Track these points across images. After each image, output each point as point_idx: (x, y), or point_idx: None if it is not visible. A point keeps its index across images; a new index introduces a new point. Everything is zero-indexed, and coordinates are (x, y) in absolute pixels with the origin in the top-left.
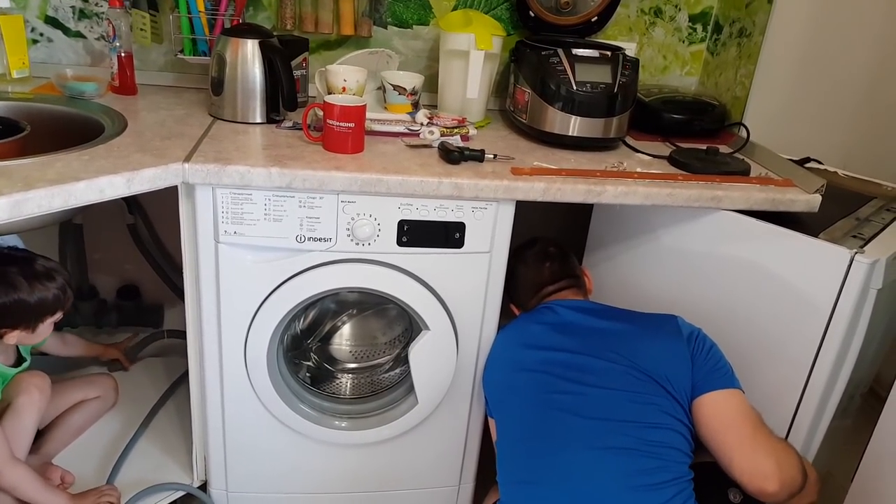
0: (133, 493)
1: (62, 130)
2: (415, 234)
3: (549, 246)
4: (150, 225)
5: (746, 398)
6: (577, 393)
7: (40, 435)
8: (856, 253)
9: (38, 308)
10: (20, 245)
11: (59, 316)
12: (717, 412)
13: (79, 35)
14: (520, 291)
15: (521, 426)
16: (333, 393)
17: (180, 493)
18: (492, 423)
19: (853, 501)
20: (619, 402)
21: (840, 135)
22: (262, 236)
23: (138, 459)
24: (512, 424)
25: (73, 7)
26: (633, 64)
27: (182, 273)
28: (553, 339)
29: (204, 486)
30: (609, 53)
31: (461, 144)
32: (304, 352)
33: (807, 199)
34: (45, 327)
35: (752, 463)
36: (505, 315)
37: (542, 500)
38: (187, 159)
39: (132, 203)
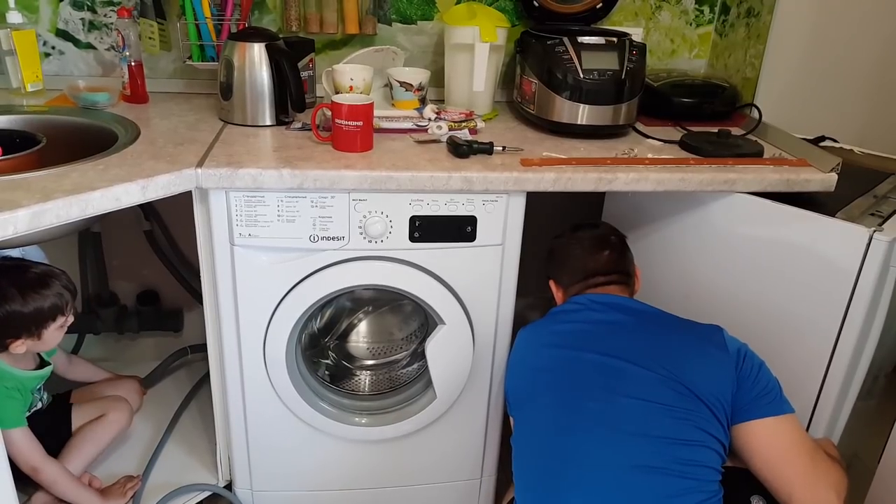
0: (161, 495)
1: (77, 141)
2: (426, 229)
3: (612, 234)
4: (166, 230)
5: (798, 422)
6: (610, 402)
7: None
8: (874, 231)
9: (35, 317)
10: (42, 255)
11: (63, 320)
12: (771, 442)
13: (89, 46)
14: (566, 272)
15: (544, 435)
16: (352, 390)
17: (207, 494)
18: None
19: (881, 483)
20: (656, 417)
21: (855, 112)
22: (276, 237)
23: (165, 462)
24: (533, 430)
25: (82, 19)
26: (641, 49)
27: (200, 277)
28: (589, 340)
29: (229, 486)
30: (615, 40)
31: (469, 138)
32: (322, 350)
33: (822, 179)
34: (52, 333)
35: (814, 497)
36: (535, 293)
37: None
38: (200, 164)
39: (148, 209)
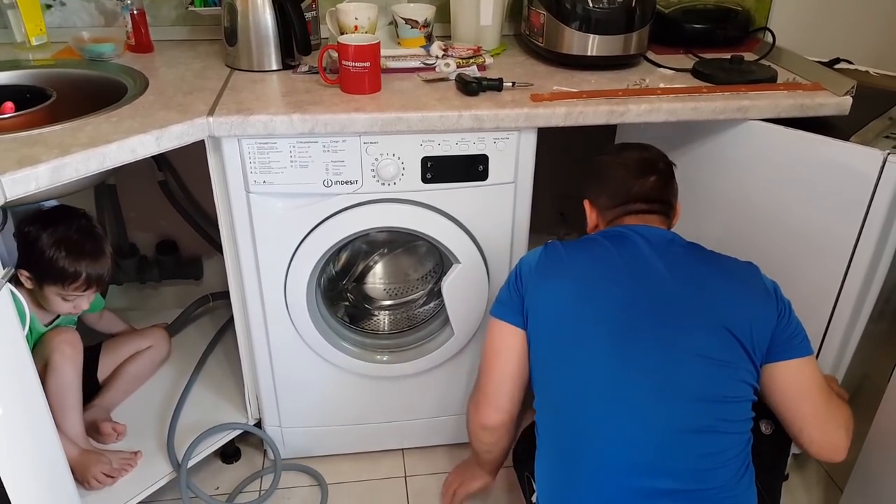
0: (194, 435)
1: (87, 93)
2: (438, 169)
3: (661, 160)
4: (179, 180)
5: (816, 362)
6: (665, 359)
7: (99, 388)
8: (888, 154)
9: (46, 271)
10: None
11: (65, 291)
12: (794, 382)
13: None
14: (606, 193)
15: (591, 385)
16: (372, 329)
17: (239, 432)
18: (507, 331)
19: (890, 403)
20: (707, 376)
21: (871, 32)
22: (291, 183)
23: (195, 404)
24: (575, 376)
25: None
26: None
27: (216, 225)
28: (644, 281)
29: (259, 424)
30: None
31: (478, 75)
32: (341, 292)
33: (836, 102)
34: (53, 296)
35: (824, 435)
36: (548, 230)
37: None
38: (210, 113)
39: (161, 160)
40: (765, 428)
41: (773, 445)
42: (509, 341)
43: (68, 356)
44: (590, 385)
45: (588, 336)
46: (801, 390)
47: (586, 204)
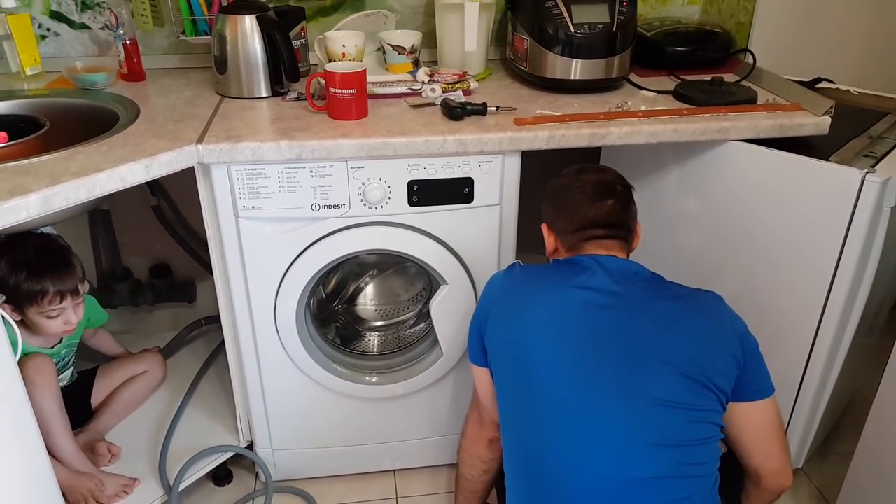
0: (186, 458)
1: (79, 122)
2: (425, 192)
3: (619, 182)
4: (172, 204)
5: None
6: (630, 403)
7: (93, 413)
8: (867, 173)
9: (16, 296)
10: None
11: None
12: (759, 421)
13: (84, 26)
14: (563, 217)
15: (541, 422)
16: (362, 351)
17: (230, 454)
18: (478, 371)
19: (876, 416)
20: (674, 423)
21: (853, 53)
22: (279, 208)
23: (187, 426)
24: (524, 410)
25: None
26: (631, 0)
27: (208, 248)
28: (607, 321)
29: (250, 446)
30: None
31: (463, 99)
32: (331, 314)
33: (815, 122)
34: (37, 319)
35: (778, 466)
36: (535, 251)
37: None
38: (200, 140)
39: (153, 185)
40: (721, 447)
41: (728, 464)
42: (487, 381)
43: (39, 385)
44: (552, 430)
45: (549, 379)
46: (765, 429)
47: (544, 228)
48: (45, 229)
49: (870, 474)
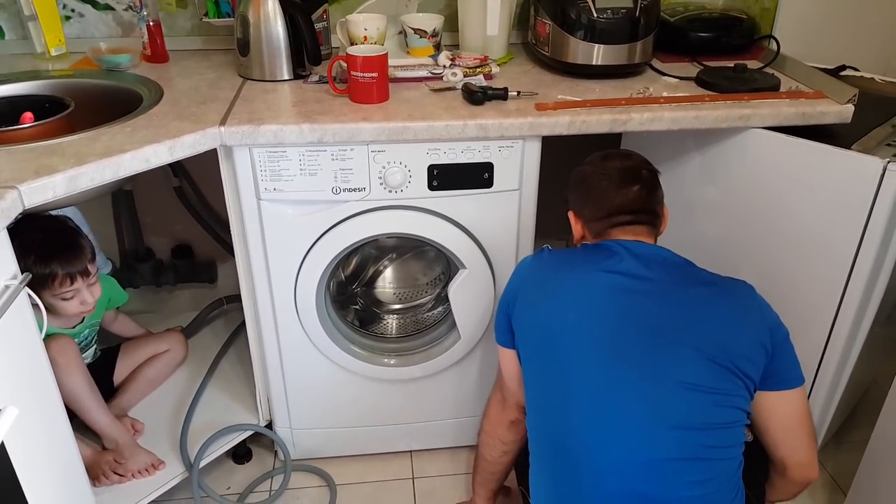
0: (207, 435)
1: (103, 103)
2: (445, 177)
3: (644, 167)
4: (195, 186)
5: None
6: (656, 385)
7: (116, 390)
8: (888, 162)
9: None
10: (80, 215)
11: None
12: (787, 412)
13: (108, 7)
14: (589, 204)
15: (569, 402)
16: (381, 333)
17: (250, 433)
18: (504, 353)
19: (892, 406)
20: (699, 405)
21: (877, 38)
22: (300, 191)
23: (208, 405)
24: (552, 390)
25: None
26: None
27: (230, 230)
28: (634, 307)
29: (269, 425)
30: None
31: (484, 84)
32: (350, 296)
33: (838, 111)
34: (52, 301)
35: (805, 458)
36: (554, 235)
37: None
38: (223, 123)
39: (176, 167)
40: (747, 435)
41: (754, 452)
42: (513, 362)
43: (63, 366)
44: (578, 410)
45: (576, 360)
46: (795, 419)
47: (571, 216)
48: (67, 210)
49: (884, 463)
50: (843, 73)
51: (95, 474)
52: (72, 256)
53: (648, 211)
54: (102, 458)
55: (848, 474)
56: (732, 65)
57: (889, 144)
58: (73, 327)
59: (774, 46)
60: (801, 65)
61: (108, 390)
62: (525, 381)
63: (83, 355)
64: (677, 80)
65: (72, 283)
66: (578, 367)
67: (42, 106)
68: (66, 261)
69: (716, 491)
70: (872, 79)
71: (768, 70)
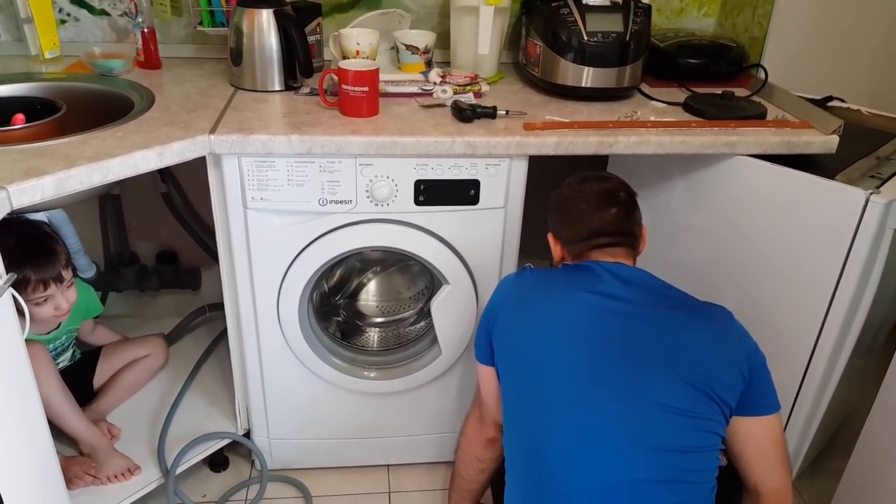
0: (185, 442)
1: (95, 108)
2: (431, 192)
3: (622, 190)
4: (182, 192)
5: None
6: (634, 408)
7: (95, 394)
8: (871, 193)
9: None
10: (66, 218)
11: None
12: (762, 437)
13: (103, 13)
14: (568, 227)
15: (547, 421)
16: (362, 346)
17: (227, 441)
18: (483, 370)
19: (869, 434)
20: (676, 429)
21: (865, 70)
22: (287, 201)
23: (186, 412)
24: (530, 408)
25: None
26: (646, 10)
27: (215, 237)
28: (612, 327)
29: (248, 434)
30: (620, 1)
31: (473, 102)
32: (333, 308)
33: (823, 141)
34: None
35: (778, 485)
36: (538, 254)
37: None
38: (212, 131)
39: (164, 173)
40: (721, 460)
41: (727, 477)
42: (492, 380)
43: (35, 373)
44: (555, 429)
45: (554, 379)
46: (770, 445)
47: (550, 238)
48: (53, 212)
49: (859, 493)
50: (829, 103)
51: (69, 477)
52: (45, 262)
53: (627, 233)
54: (77, 462)
55: (824, 503)
56: (720, 92)
57: (872, 176)
58: (48, 333)
59: (762, 75)
60: (788, 94)
61: (88, 394)
62: (503, 399)
63: (59, 359)
64: (665, 104)
65: (45, 289)
66: (557, 386)
67: (34, 108)
68: (40, 266)
69: None
70: (858, 110)
71: (756, 98)
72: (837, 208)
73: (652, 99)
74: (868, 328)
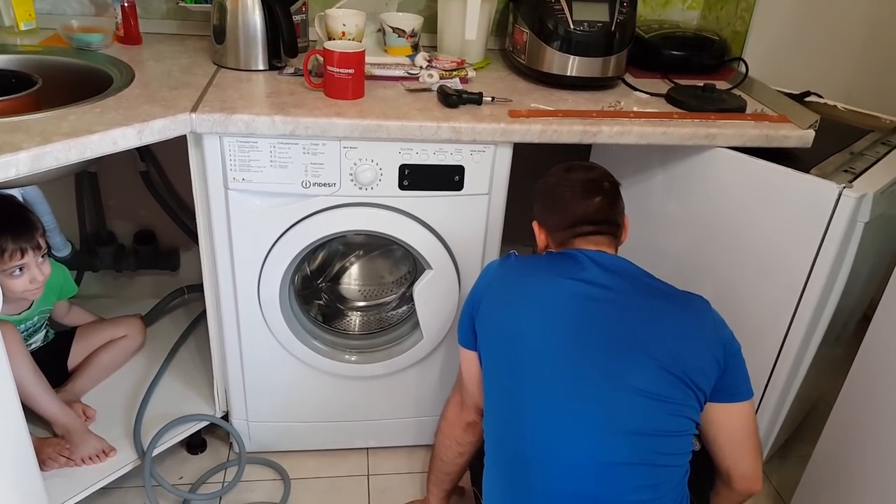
0: (161, 424)
1: (72, 82)
2: (415, 177)
3: (606, 179)
4: (161, 171)
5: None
6: (612, 392)
7: (70, 374)
8: (844, 188)
9: None
10: (41, 195)
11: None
12: (735, 423)
13: None
14: (552, 215)
15: (527, 403)
16: (343, 329)
17: (205, 423)
18: (466, 354)
19: (835, 421)
20: (652, 413)
21: (844, 68)
22: (269, 182)
23: (164, 394)
24: (511, 391)
25: None
26: (631, 1)
27: (195, 217)
28: (594, 313)
29: (226, 416)
30: None
31: (459, 87)
32: (315, 291)
33: (800, 135)
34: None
35: (749, 470)
36: (521, 241)
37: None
38: (194, 109)
39: (143, 151)
40: (695, 444)
41: (701, 461)
42: (474, 364)
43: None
44: (535, 413)
45: (536, 364)
46: (742, 431)
47: (535, 225)
48: (28, 189)
49: (824, 478)
50: (807, 98)
51: (43, 459)
52: (22, 229)
53: (610, 222)
54: (50, 443)
55: (791, 487)
56: (702, 84)
57: (846, 171)
58: (19, 314)
59: (743, 69)
60: (767, 88)
61: (62, 374)
62: (484, 384)
63: (32, 340)
64: (648, 95)
65: (22, 257)
66: (538, 371)
67: (8, 81)
68: (17, 234)
69: (663, 496)
70: (835, 106)
71: (736, 92)
72: (811, 201)
73: (635, 89)
74: (838, 318)
